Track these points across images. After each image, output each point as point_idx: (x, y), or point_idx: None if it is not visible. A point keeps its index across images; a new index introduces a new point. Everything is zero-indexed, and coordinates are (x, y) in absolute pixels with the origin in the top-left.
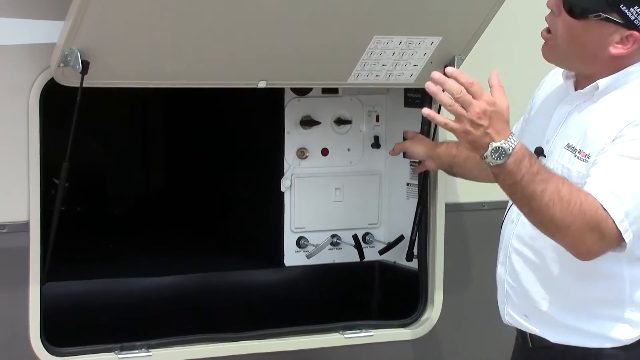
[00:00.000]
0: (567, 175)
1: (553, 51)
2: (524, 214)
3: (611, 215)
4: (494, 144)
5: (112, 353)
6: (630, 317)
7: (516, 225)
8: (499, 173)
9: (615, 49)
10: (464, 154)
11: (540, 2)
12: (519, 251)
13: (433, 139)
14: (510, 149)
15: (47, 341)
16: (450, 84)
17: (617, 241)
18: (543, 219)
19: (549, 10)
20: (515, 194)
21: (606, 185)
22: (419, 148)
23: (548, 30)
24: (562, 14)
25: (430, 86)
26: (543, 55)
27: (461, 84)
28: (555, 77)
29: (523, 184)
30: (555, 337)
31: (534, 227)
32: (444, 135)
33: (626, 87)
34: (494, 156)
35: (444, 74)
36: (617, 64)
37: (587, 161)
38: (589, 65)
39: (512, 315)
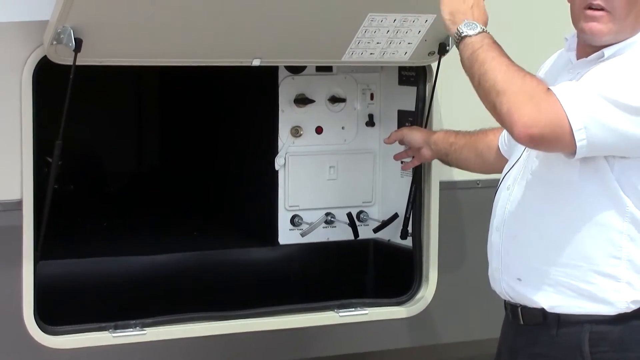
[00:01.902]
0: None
1: (609, 26)
2: (476, 85)
3: (558, 97)
4: (469, 20)
5: (107, 332)
6: (628, 277)
7: (512, 191)
8: (464, 43)
9: None
10: (462, 142)
11: None
12: (516, 215)
13: (427, 119)
14: (480, 27)
15: (41, 320)
16: None
17: (558, 122)
18: (487, 84)
19: None
20: (473, 61)
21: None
22: (416, 135)
23: (595, 9)
24: None
25: None
26: (594, 34)
27: None
28: (554, 58)
29: (480, 51)
30: (550, 301)
31: (482, 100)
32: (439, 115)
33: (627, 52)
34: (466, 27)
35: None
36: None
37: None
38: (637, 29)
39: (506, 281)
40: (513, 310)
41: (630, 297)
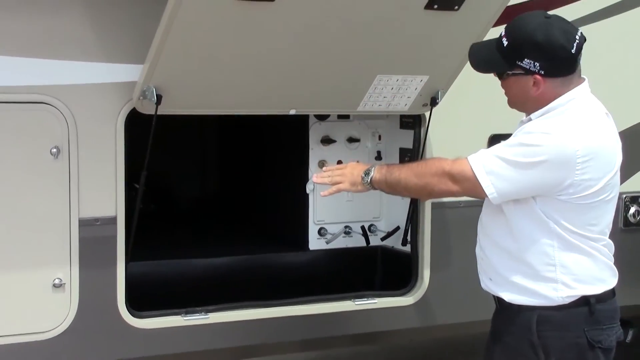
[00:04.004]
0: None
1: (511, 103)
2: (407, 196)
3: (469, 162)
4: (362, 174)
5: (179, 316)
6: (563, 279)
7: (481, 216)
8: (376, 185)
9: (534, 92)
10: None
11: None
12: (484, 233)
13: (422, 154)
14: (371, 170)
15: (131, 307)
16: (324, 173)
17: (473, 181)
18: (411, 191)
19: None
20: (392, 189)
21: (482, 150)
22: None
23: None
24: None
25: (316, 179)
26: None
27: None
28: None
29: (389, 180)
30: (509, 296)
31: (421, 199)
32: (430, 152)
33: (549, 114)
34: (366, 178)
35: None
36: (546, 99)
37: None
38: (529, 107)
39: (484, 280)
40: (494, 298)
41: (565, 293)
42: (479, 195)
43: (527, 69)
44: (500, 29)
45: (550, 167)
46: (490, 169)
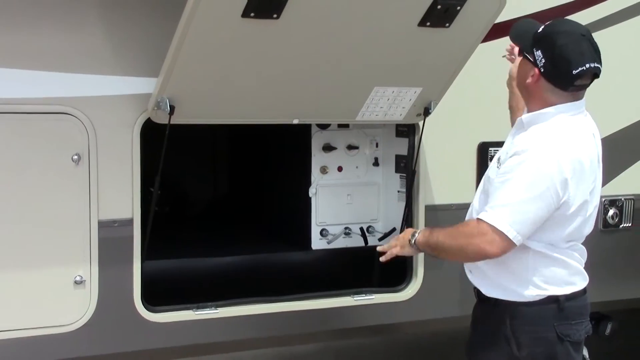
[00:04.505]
0: (487, 182)
1: (516, 82)
2: (445, 258)
3: (489, 222)
4: (410, 237)
5: (191, 310)
6: (535, 281)
7: (472, 211)
8: (421, 247)
9: (529, 81)
10: None
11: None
12: None
13: (416, 160)
14: (416, 233)
15: (146, 302)
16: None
17: (503, 238)
18: (447, 254)
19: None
20: (434, 251)
21: (489, 205)
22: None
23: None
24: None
25: (383, 258)
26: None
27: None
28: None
29: (430, 243)
30: (486, 289)
31: (457, 261)
32: (424, 158)
33: (538, 125)
34: (412, 239)
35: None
36: (536, 98)
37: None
38: (522, 94)
39: (467, 271)
40: (474, 290)
41: (535, 292)
42: (507, 250)
43: (535, 60)
44: (489, 45)
45: (554, 191)
46: (512, 220)
